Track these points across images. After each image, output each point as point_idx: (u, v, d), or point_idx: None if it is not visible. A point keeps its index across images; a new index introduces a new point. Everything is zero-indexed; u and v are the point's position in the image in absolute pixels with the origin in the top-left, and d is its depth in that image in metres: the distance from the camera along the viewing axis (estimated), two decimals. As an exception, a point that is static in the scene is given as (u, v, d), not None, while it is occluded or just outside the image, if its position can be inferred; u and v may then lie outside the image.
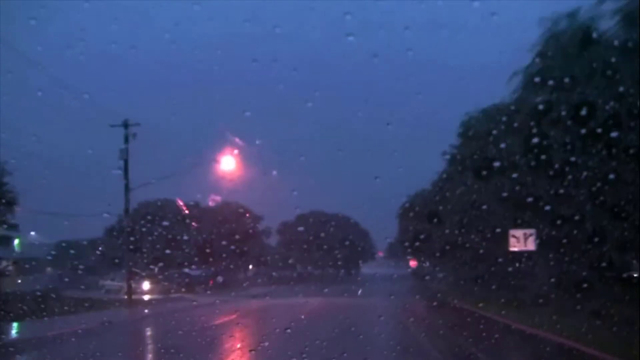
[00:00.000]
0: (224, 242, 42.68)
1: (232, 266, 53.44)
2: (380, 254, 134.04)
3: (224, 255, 47.62)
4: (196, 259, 46.86)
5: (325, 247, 71.58)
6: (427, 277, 60.27)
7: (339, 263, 77.80)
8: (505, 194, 22.24)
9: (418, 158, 47.58)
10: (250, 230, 48.78)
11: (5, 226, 32.10)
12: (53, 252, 49.35)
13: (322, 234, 73.18)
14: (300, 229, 73.31)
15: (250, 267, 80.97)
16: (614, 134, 16.14)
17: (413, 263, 59.90)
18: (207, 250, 44.62)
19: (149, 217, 42.49)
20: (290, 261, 73.83)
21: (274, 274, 73.56)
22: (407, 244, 66.96)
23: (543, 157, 18.49)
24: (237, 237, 47.42)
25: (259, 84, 62.79)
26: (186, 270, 45.14)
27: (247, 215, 50.75)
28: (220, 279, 47.74)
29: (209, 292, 43.85)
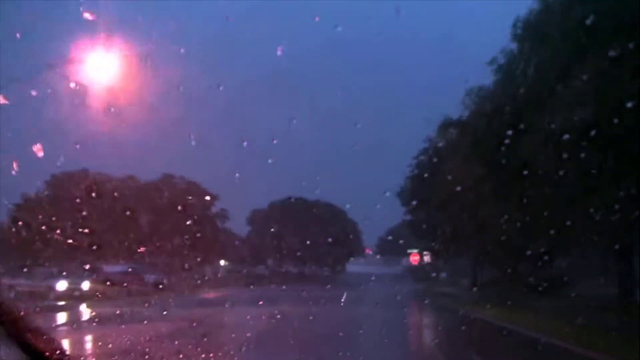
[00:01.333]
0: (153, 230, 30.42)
1: (185, 263, 41.12)
2: (368, 251, 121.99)
3: (162, 246, 35.19)
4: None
5: (305, 240, 59.53)
6: (434, 275, 48.17)
7: (323, 259, 65.46)
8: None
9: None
10: (195, 216, 36.29)
11: None
12: None
13: (302, 225, 61.59)
14: (275, 217, 61.19)
15: (223, 263, 68.81)
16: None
17: (414, 259, 47.43)
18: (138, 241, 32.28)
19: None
20: (268, 262, 61.78)
21: (244, 271, 61.44)
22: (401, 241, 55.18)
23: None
24: (186, 222, 35.26)
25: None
26: (107, 266, 32.69)
27: (194, 194, 38.29)
28: (151, 277, 35.37)
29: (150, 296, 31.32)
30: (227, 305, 27.91)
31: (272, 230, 61.20)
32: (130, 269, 33.81)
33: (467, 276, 52.28)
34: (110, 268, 33.00)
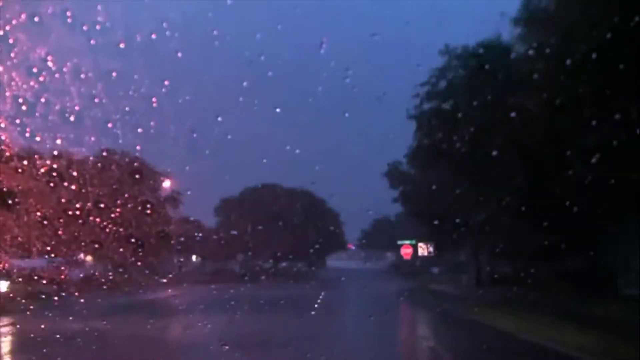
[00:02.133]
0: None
1: (133, 256, 34.32)
2: (351, 247, 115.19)
3: (98, 236, 28.48)
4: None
5: (281, 231, 53.04)
6: (436, 271, 41.57)
7: (300, 254, 58.82)
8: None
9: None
10: (140, 200, 29.57)
11: None
12: None
13: (277, 215, 55.01)
14: (244, 205, 54.47)
15: (195, 258, 62.03)
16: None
17: (406, 252, 40.48)
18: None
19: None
20: (239, 256, 54.94)
21: (210, 267, 54.75)
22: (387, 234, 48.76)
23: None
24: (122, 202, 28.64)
25: None
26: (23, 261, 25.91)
27: (140, 174, 31.55)
28: (78, 272, 28.66)
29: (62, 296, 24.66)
30: (151, 311, 21.21)
31: (243, 220, 54.56)
32: (52, 264, 26.98)
33: (463, 272, 46.03)
34: (25, 263, 26.19)
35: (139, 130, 20.51)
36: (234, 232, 53.25)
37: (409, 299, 29.30)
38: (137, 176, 31.59)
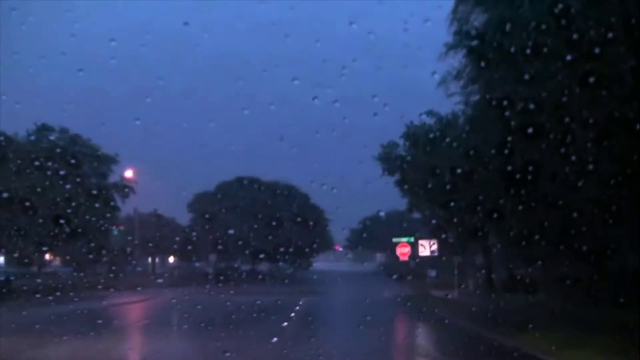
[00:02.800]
0: None
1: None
2: (339, 248, 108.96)
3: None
4: None
5: (259, 229, 47.52)
6: (433, 274, 35.88)
7: (281, 254, 53.08)
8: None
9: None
10: (79, 179, 23.99)
11: None
12: None
13: (255, 210, 49.40)
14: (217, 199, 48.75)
15: (173, 259, 56.42)
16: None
17: (402, 252, 34.34)
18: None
19: None
20: (210, 257, 49.10)
21: (175, 271, 49.03)
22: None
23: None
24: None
25: None
26: None
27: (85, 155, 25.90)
28: None
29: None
30: (67, 327, 15.49)
31: (218, 217, 48.94)
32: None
33: (463, 275, 40.80)
34: None
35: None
36: (207, 230, 47.56)
37: (410, 312, 23.88)
38: (76, 158, 25.95)
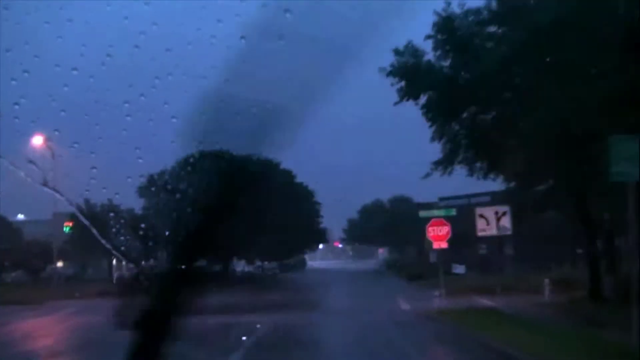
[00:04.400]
0: None
1: None
2: (337, 245, 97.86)
3: None
4: None
5: (237, 219, 36.31)
6: (461, 271, 24.54)
7: (263, 250, 41.48)
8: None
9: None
10: None
11: None
12: None
13: (228, 194, 38.13)
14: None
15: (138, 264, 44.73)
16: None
17: (438, 234, 21.13)
18: None
19: None
20: (160, 255, 37.48)
21: (117, 274, 37.56)
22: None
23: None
24: None
25: None
26: None
27: None
28: None
29: None
30: None
31: (176, 204, 37.69)
32: None
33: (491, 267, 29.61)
34: None
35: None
36: (163, 220, 36.19)
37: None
38: None
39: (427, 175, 16.90)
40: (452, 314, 15.91)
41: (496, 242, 32.31)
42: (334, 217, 60.24)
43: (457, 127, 16.20)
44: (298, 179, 41.68)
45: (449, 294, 22.92)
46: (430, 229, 17.98)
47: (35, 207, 38.10)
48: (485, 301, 20.39)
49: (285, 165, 40.78)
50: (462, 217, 27.05)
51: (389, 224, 57.95)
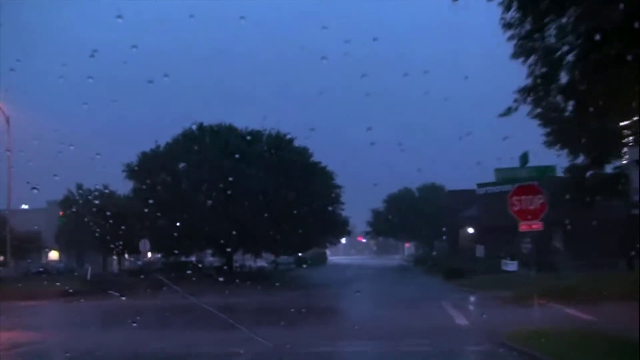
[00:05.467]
0: None
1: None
2: (361, 239, 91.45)
3: None
4: None
5: (232, 202, 30.04)
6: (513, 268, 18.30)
7: (270, 243, 35.28)
8: None
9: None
10: None
11: None
12: None
13: (233, 175, 31.28)
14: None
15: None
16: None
17: (532, 207, 14.26)
18: None
19: None
20: (143, 244, 31.32)
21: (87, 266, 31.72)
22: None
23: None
24: None
25: None
26: None
27: None
28: None
29: None
30: None
31: (172, 186, 31.67)
32: None
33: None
34: None
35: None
36: (153, 205, 30.21)
37: None
38: None
39: (509, 111, 10.92)
40: (552, 339, 9.72)
41: (543, 234, 27.78)
42: (357, 210, 54.46)
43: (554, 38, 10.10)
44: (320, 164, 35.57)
45: (514, 300, 16.77)
46: (514, 200, 11.47)
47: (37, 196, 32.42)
48: (576, 313, 14.11)
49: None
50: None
51: (419, 214, 51.72)
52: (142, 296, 20.75)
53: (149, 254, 33.54)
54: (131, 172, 33.38)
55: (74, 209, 37.61)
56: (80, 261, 46.20)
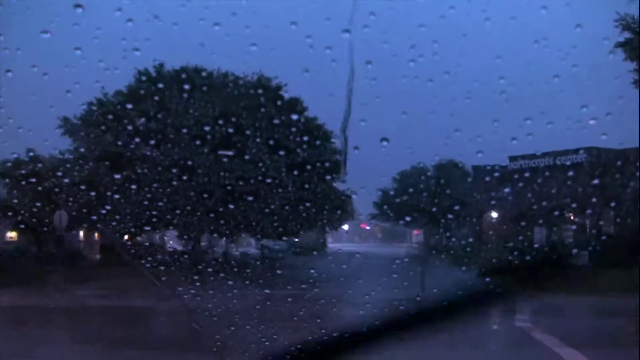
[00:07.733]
0: None
1: None
2: (365, 227, 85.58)
3: None
4: None
5: (211, 169, 22.34)
6: None
7: (259, 222, 27.36)
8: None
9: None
10: None
11: None
12: None
13: (212, 132, 22.65)
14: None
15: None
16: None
17: None
18: None
19: None
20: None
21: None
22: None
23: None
24: None
25: None
26: None
27: None
28: None
29: None
30: None
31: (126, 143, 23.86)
32: None
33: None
34: None
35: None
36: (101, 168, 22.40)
37: None
38: None
39: None
40: None
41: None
42: (361, 196, 47.35)
43: None
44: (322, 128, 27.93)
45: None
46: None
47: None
48: None
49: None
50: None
51: (436, 194, 44.17)
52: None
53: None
54: (70, 127, 25.76)
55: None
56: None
